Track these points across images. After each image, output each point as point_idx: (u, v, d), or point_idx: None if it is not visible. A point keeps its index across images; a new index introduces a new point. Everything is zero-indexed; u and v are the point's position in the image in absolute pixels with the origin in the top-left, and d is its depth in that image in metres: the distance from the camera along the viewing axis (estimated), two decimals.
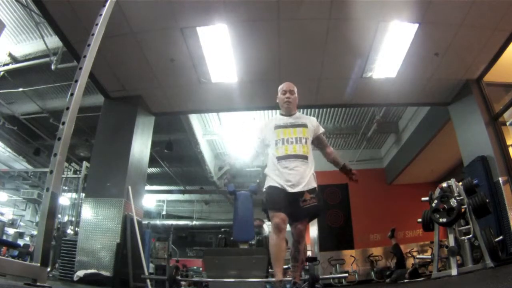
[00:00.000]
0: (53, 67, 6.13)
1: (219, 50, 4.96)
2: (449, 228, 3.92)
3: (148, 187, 11.92)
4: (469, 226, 3.82)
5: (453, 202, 3.85)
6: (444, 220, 3.87)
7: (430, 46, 4.89)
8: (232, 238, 4.62)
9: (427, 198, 4.42)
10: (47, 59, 6.21)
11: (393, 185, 9.90)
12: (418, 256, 7.83)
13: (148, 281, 4.60)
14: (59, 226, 8.34)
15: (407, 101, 6.54)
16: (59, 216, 9.28)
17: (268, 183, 2.65)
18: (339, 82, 5.63)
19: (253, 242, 4.70)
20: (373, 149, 10.49)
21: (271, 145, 2.75)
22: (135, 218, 4.92)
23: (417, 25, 4.57)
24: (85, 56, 2.20)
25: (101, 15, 2.42)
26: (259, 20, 4.56)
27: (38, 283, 1.68)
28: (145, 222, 6.35)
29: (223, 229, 5.33)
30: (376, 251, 9.04)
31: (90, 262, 4.55)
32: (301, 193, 2.52)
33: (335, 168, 3.03)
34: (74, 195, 9.56)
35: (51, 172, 1.86)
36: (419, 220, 4.44)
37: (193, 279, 6.61)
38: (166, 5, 4.27)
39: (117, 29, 4.41)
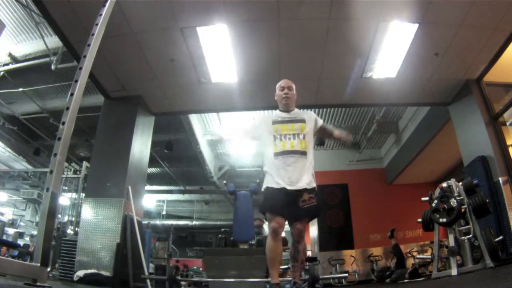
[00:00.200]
0: (53, 67, 6.13)
1: (219, 50, 4.96)
2: (449, 228, 3.92)
3: (148, 187, 11.92)
4: (469, 226, 3.82)
5: (453, 202, 3.85)
6: (444, 220, 3.87)
7: (430, 46, 4.90)
8: (232, 238, 4.62)
9: (427, 198, 4.42)
10: (47, 59, 6.21)
11: (393, 185, 9.90)
12: (418, 256, 7.83)
13: (148, 281, 4.60)
14: (59, 226, 8.34)
15: (407, 101, 6.55)
16: (59, 216, 9.28)
17: (267, 183, 2.63)
18: (339, 82, 5.63)
19: (253, 242, 4.70)
20: (373, 149, 10.49)
21: (268, 140, 2.72)
22: (135, 218, 4.92)
23: (417, 25, 4.57)
24: (85, 56, 2.20)
25: (101, 15, 2.42)
26: (259, 20, 4.56)
27: (38, 283, 1.68)
28: (145, 222, 6.36)
29: (223, 229, 5.34)
30: (376, 251, 9.03)
31: (90, 262, 4.55)
32: (300, 193, 2.51)
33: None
34: (74, 195, 9.56)
35: (51, 172, 1.86)
36: (419, 220, 4.44)
37: (193, 279, 6.60)
38: (166, 5, 4.27)
39: (117, 29, 4.41)
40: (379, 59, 5.18)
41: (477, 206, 3.86)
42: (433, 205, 4.02)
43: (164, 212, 16.21)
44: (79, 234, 4.95)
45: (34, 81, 7.21)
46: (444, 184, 4.27)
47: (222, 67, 5.29)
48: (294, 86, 2.93)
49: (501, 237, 4.17)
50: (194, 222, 15.36)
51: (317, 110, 8.16)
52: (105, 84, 5.56)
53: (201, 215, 16.24)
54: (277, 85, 2.95)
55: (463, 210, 3.86)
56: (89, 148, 9.19)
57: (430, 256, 5.02)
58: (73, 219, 8.58)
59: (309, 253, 10.07)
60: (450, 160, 8.20)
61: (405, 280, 6.35)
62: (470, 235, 3.78)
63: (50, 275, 5.38)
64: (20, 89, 7.34)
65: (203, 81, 5.48)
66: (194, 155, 9.53)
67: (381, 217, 9.18)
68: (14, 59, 6.53)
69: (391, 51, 5.03)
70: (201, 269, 10.32)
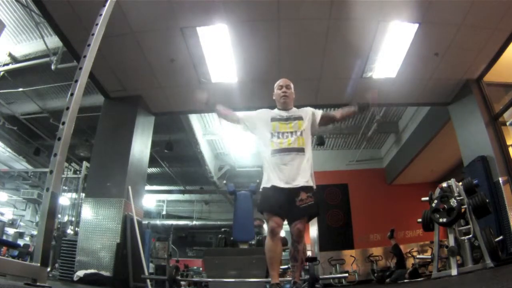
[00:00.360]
0: (53, 67, 6.13)
1: (219, 50, 4.96)
2: (449, 228, 3.91)
3: (148, 187, 11.92)
4: (469, 226, 3.82)
5: (453, 202, 3.85)
6: (444, 220, 3.87)
7: (430, 46, 4.89)
8: (232, 238, 4.62)
9: (427, 198, 4.41)
10: (47, 59, 6.21)
11: (393, 185, 9.90)
12: (418, 256, 7.83)
13: (148, 281, 4.60)
14: (59, 226, 8.34)
15: (407, 101, 6.54)
16: (59, 216, 9.27)
17: (264, 183, 2.62)
18: (339, 82, 5.63)
19: (253, 242, 4.70)
20: (373, 149, 10.49)
21: (265, 137, 2.71)
22: (135, 218, 4.92)
23: (417, 25, 4.57)
24: (85, 56, 2.20)
25: (101, 15, 2.42)
26: (259, 20, 4.56)
27: (38, 283, 1.68)
28: (145, 222, 6.36)
29: (223, 229, 5.33)
30: (376, 251, 9.04)
31: (90, 262, 4.55)
32: (296, 192, 2.49)
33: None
34: (74, 195, 9.56)
35: (51, 172, 1.86)
36: (419, 220, 4.43)
37: (193, 279, 6.60)
38: (166, 5, 4.27)
39: (117, 29, 4.40)
40: (379, 59, 5.18)
41: (477, 206, 3.85)
42: (433, 205, 4.02)
43: (164, 212, 16.21)
44: (79, 234, 4.95)
45: (34, 81, 7.21)
46: (444, 184, 4.26)
47: (222, 67, 5.29)
48: (292, 85, 2.92)
49: (501, 237, 4.18)
50: (194, 222, 15.36)
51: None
52: (105, 84, 5.56)
53: (201, 215, 16.25)
54: (276, 84, 2.95)
55: (463, 210, 3.85)
56: (89, 148, 9.18)
57: (430, 256, 5.03)
58: (73, 219, 8.57)
59: (309, 253, 10.07)
60: (450, 160, 8.20)
61: (405, 280, 6.35)
62: (470, 235, 3.78)
63: (50, 275, 5.38)
64: (20, 89, 7.34)
65: (203, 81, 5.48)
66: (194, 155, 9.53)
67: (381, 217, 9.18)
68: (14, 59, 6.53)
69: (391, 51, 5.03)
70: (201, 269, 10.31)
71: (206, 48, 4.91)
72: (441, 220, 3.89)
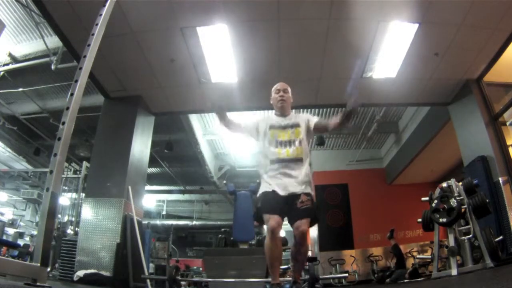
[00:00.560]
0: (53, 67, 6.14)
1: (219, 50, 4.96)
2: (449, 228, 3.92)
3: (148, 187, 11.92)
4: (469, 226, 3.82)
5: (453, 202, 3.85)
6: (444, 220, 3.87)
7: (430, 46, 4.89)
8: (232, 238, 4.62)
9: (427, 198, 4.42)
10: (47, 59, 6.21)
11: (393, 185, 9.90)
12: (418, 256, 7.83)
13: (148, 281, 4.60)
14: (59, 226, 8.34)
15: (407, 101, 6.54)
16: (59, 216, 9.27)
17: (262, 189, 2.59)
18: (339, 82, 5.63)
19: (253, 242, 4.70)
20: (373, 149, 10.49)
21: (264, 146, 2.68)
22: (135, 218, 4.92)
23: (417, 25, 4.57)
24: (85, 56, 2.20)
25: (101, 15, 2.42)
26: (259, 20, 4.56)
27: (38, 283, 1.68)
28: (145, 222, 6.35)
29: (223, 229, 5.32)
30: (376, 251, 9.04)
31: (90, 262, 4.55)
32: (297, 196, 2.47)
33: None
34: (74, 195, 9.56)
35: (51, 172, 1.86)
36: (419, 220, 4.43)
37: (193, 279, 6.60)
38: (166, 5, 4.27)
39: (117, 29, 4.40)
40: (379, 59, 5.18)
41: (477, 206, 3.85)
42: (433, 205, 4.02)
43: (164, 212, 16.21)
44: (79, 234, 4.95)
45: (34, 81, 7.21)
46: (444, 184, 4.27)
47: (222, 67, 5.29)
48: (289, 89, 2.87)
49: (501, 237, 4.18)
50: (194, 222, 15.37)
51: (317, 110, 8.18)
52: (105, 84, 5.56)
53: (201, 215, 16.25)
54: (273, 88, 2.89)
55: (463, 210, 3.86)
56: (89, 148, 9.19)
57: (430, 256, 5.03)
58: (73, 219, 8.57)
59: (309, 253, 10.06)
60: (450, 160, 8.20)
61: (405, 280, 6.35)
62: (470, 235, 3.78)
63: (50, 275, 5.38)
64: (20, 89, 7.34)
65: (203, 81, 5.48)
66: (194, 155, 9.53)
67: (381, 217, 9.18)
68: (14, 59, 6.53)
69: (391, 51, 5.03)
70: (201, 269, 10.31)
71: (206, 48, 4.91)
72: (441, 220, 3.90)
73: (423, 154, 7.95)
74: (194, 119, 8.21)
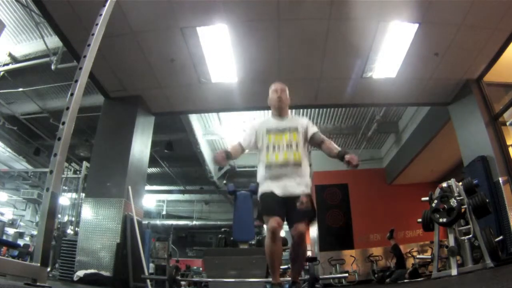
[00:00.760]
0: (53, 67, 6.14)
1: (219, 50, 4.96)
2: (449, 228, 3.92)
3: (148, 187, 11.92)
4: (469, 226, 3.82)
5: (453, 202, 3.85)
6: (444, 220, 3.87)
7: (430, 46, 4.89)
8: (232, 238, 4.62)
9: (427, 198, 4.42)
10: (47, 59, 6.21)
11: (393, 185, 9.90)
12: (418, 256, 7.83)
13: (148, 281, 4.60)
14: (59, 226, 8.34)
15: (407, 101, 6.54)
16: (59, 216, 9.27)
17: (261, 190, 2.60)
18: (339, 82, 5.63)
19: (253, 242, 4.69)
20: (373, 149, 10.49)
21: (262, 150, 2.66)
22: (135, 218, 4.92)
23: (417, 25, 4.57)
24: (85, 56, 2.20)
25: (101, 15, 2.42)
26: (259, 20, 4.56)
27: (38, 283, 1.67)
28: (145, 222, 6.36)
29: (223, 229, 5.32)
30: (376, 251, 9.04)
31: (90, 262, 4.55)
32: (296, 197, 2.46)
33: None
34: (74, 195, 9.56)
35: (51, 172, 1.86)
36: (419, 220, 4.43)
37: (193, 279, 6.61)
38: (166, 5, 4.27)
39: (117, 29, 4.40)
40: (379, 59, 5.18)
41: (477, 206, 3.85)
42: (433, 205, 4.02)
43: (164, 212, 16.22)
44: (79, 234, 4.95)
45: (34, 81, 7.21)
46: (444, 184, 4.27)
47: (222, 67, 5.29)
48: (287, 90, 2.82)
49: (501, 237, 4.18)
50: (194, 222, 15.37)
51: (317, 110, 8.19)
52: (105, 84, 5.56)
53: (201, 215, 16.25)
54: (270, 89, 2.85)
55: (463, 210, 3.86)
56: (89, 148, 9.19)
57: (430, 256, 5.03)
58: (73, 219, 8.57)
59: (309, 253, 10.07)
60: (450, 160, 8.20)
61: (405, 280, 6.35)
62: (470, 235, 3.78)
63: (50, 275, 5.38)
64: (20, 89, 7.34)
65: (203, 81, 5.48)
66: (194, 155, 9.53)
67: (381, 217, 9.19)
68: (14, 59, 6.53)
69: (391, 51, 5.03)
70: (201, 269, 10.31)
71: (206, 48, 4.91)
72: (441, 220, 3.90)
73: (423, 154, 7.95)
74: (194, 119, 8.20)
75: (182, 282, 5.37)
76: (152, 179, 12.63)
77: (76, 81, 2.10)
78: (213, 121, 8.89)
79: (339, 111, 8.50)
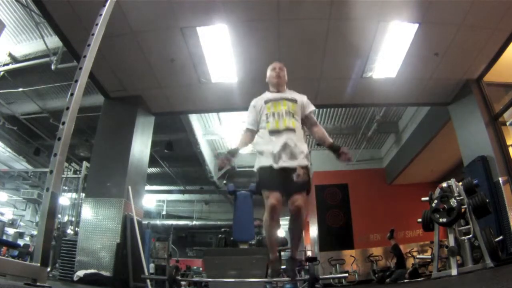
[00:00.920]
0: (53, 67, 6.14)
1: (219, 50, 4.96)
2: (449, 228, 3.91)
3: (148, 187, 11.92)
4: (469, 226, 3.82)
5: (453, 202, 3.85)
6: (444, 220, 3.87)
7: (430, 46, 4.89)
8: (232, 238, 4.62)
9: (427, 198, 4.42)
10: (47, 59, 6.21)
11: (393, 185, 9.90)
12: (418, 256, 7.83)
13: (148, 281, 4.60)
14: (59, 226, 8.34)
15: (407, 101, 6.54)
16: (59, 216, 9.27)
17: (259, 163, 2.61)
18: (339, 82, 5.63)
19: (253, 242, 4.70)
20: (373, 149, 10.49)
21: (262, 120, 2.72)
22: (135, 218, 4.92)
23: (417, 25, 4.57)
24: (85, 56, 2.19)
25: (101, 15, 2.42)
26: (259, 20, 4.56)
27: (38, 283, 1.67)
28: (145, 222, 6.35)
29: (223, 229, 5.32)
30: (376, 251, 9.04)
31: (90, 262, 4.55)
32: (293, 169, 2.48)
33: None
34: (74, 195, 9.55)
35: (51, 172, 1.86)
36: (419, 220, 4.43)
37: (193, 279, 6.61)
38: (166, 5, 4.27)
39: (117, 29, 4.41)
40: (379, 59, 5.18)
41: (477, 206, 3.85)
42: (433, 205, 4.02)
43: (164, 212, 16.21)
44: (79, 234, 4.95)
45: (34, 81, 7.21)
46: (444, 184, 4.27)
47: (222, 67, 5.29)
48: (285, 69, 2.94)
49: (501, 237, 4.17)
50: (194, 222, 15.36)
51: (317, 110, 8.18)
52: (105, 84, 5.56)
53: (201, 215, 16.24)
54: (269, 67, 2.97)
55: (463, 210, 3.85)
56: (89, 148, 9.19)
57: (430, 256, 5.03)
58: (73, 219, 8.56)
59: (309, 253, 10.07)
60: (450, 160, 8.20)
61: (405, 280, 6.35)
62: (470, 235, 3.78)
63: (50, 275, 5.38)
64: (20, 89, 7.34)
65: (203, 81, 5.48)
66: (194, 155, 9.53)
67: (381, 217, 9.19)
68: (14, 59, 6.53)
69: (391, 51, 5.03)
70: (201, 269, 10.31)
71: (206, 48, 4.91)
72: (441, 220, 3.89)
73: (423, 154, 7.95)
74: (194, 119, 8.21)
75: (182, 282, 5.37)
76: (152, 179, 12.62)
77: (76, 81, 2.10)
78: (213, 121, 8.89)
79: (339, 111, 8.50)
